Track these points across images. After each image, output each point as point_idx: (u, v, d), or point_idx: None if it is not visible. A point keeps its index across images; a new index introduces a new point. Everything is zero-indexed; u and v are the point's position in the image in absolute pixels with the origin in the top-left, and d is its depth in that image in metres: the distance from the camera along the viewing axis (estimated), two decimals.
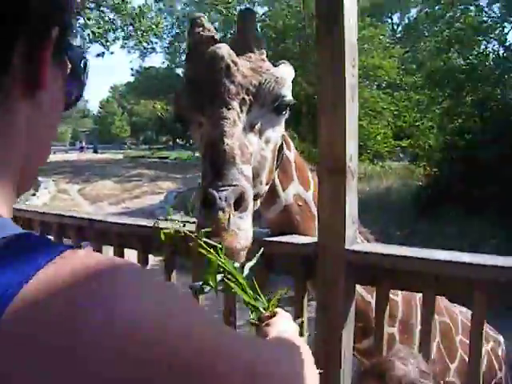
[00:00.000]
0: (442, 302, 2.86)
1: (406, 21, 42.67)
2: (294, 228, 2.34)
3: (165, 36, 40.26)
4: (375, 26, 23.95)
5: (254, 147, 1.85)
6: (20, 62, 0.71)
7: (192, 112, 1.89)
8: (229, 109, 1.76)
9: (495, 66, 17.12)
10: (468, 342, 2.73)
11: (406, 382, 1.69)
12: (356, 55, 2.14)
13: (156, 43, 37.20)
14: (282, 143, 2.12)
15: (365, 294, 2.41)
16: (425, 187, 17.12)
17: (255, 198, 1.87)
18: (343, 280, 2.16)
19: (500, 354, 3.38)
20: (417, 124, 20.81)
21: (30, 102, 0.76)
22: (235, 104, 1.78)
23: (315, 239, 2.26)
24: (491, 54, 18.04)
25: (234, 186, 1.63)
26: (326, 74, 2.13)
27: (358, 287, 2.36)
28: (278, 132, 1.99)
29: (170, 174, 32.99)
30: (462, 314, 3.07)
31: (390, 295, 2.41)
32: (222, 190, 1.60)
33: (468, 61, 17.68)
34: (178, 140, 67.97)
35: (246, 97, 1.81)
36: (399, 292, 2.51)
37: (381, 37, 23.86)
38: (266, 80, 1.87)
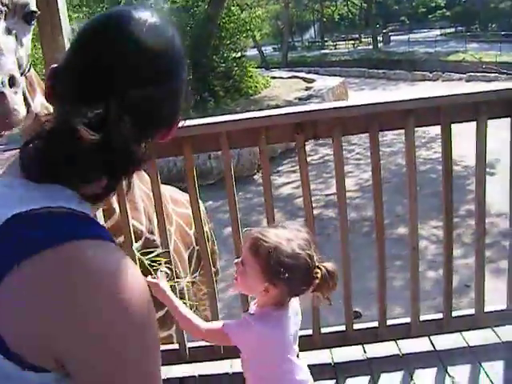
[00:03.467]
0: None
1: None
2: None
3: None
4: None
5: (13, 45, 2.18)
6: None
7: None
8: None
9: None
10: (178, 209, 3.44)
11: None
12: None
13: None
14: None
15: None
16: None
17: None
18: None
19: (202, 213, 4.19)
20: None
21: None
22: None
23: None
24: None
25: (5, 69, 1.97)
26: None
27: None
28: (28, 39, 2.33)
29: None
30: (167, 189, 3.64)
31: None
32: None
33: None
34: None
35: (1, 7, 2.10)
36: None
37: None
38: None
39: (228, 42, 19.05)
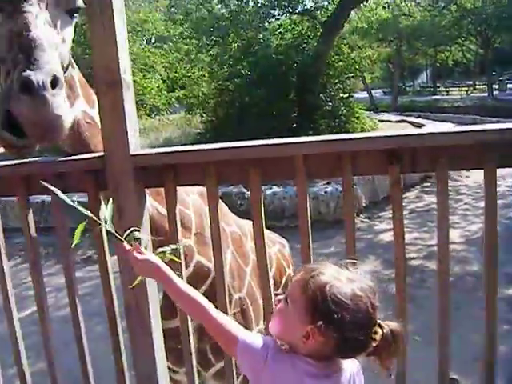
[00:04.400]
0: (230, 215, 3.14)
1: None
2: (86, 144, 2.38)
3: None
4: None
5: (56, 39, 1.90)
6: None
7: None
8: (29, 4, 1.81)
9: (255, 13, 18.06)
10: None
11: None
12: None
13: None
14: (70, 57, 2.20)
15: (160, 207, 2.53)
16: (203, 133, 17.84)
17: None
18: (132, 184, 2.29)
19: (286, 254, 3.81)
20: (188, 74, 21.24)
21: None
22: (34, 0, 1.83)
23: (102, 153, 2.34)
24: (251, 1, 19.03)
25: (47, 68, 1.69)
26: None
27: (152, 201, 2.49)
28: (70, 34, 2.07)
29: None
30: (249, 224, 3.39)
31: (182, 207, 2.59)
32: (38, 74, 1.66)
33: (230, 8, 18.46)
34: None
35: None
36: (191, 205, 2.70)
37: None
38: None
39: (336, 80, 18.65)
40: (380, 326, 1.53)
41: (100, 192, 2.44)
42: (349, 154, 2.09)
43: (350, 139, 2.11)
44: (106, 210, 1.83)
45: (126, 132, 2.26)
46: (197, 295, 1.76)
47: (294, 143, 2.14)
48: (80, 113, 2.33)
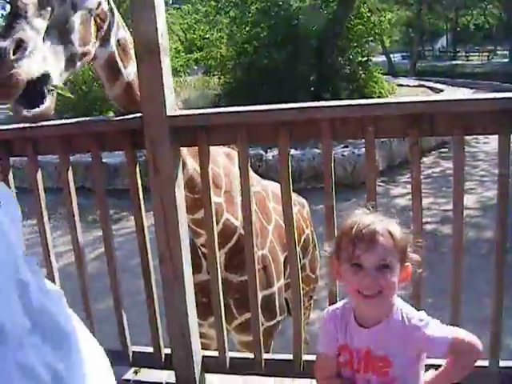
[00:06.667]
0: (253, 176, 3.27)
1: None
2: (137, 104, 2.50)
3: None
4: None
5: (55, 9, 1.93)
6: None
7: None
8: None
9: None
10: (279, 207, 3.19)
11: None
12: None
13: None
14: (111, 21, 2.31)
15: (199, 168, 2.63)
16: (221, 95, 17.88)
17: (72, 57, 2.05)
18: (168, 144, 2.44)
19: (305, 215, 3.92)
20: (207, 36, 21.09)
21: None
22: None
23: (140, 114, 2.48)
24: None
25: (15, 35, 1.77)
26: None
27: (193, 163, 2.62)
28: (88, 3, 2.10)
29: None
30: (271, 185, 3.49)
31: (214, 167, 2.72)
32: (4, 40, 1.75)
33: None
34: None
35: None
36: (221, 165, 2.82)
37: None
38: None
39: (355, 44, 18.51)
40: None
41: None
42: (372, 118, 2.23)
43: (374, 104, 2.26)
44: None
45: (164, 94, 2.40)
46: None
47: (324, 107, 2.28)
48: (133, 74, 2.46)
